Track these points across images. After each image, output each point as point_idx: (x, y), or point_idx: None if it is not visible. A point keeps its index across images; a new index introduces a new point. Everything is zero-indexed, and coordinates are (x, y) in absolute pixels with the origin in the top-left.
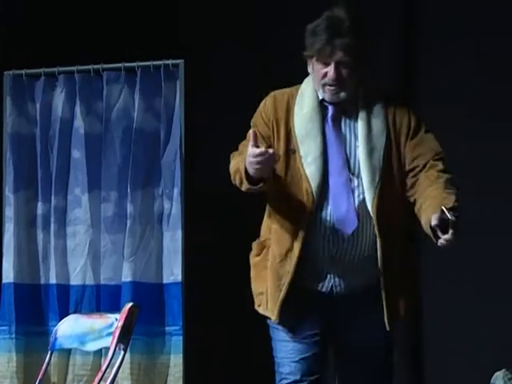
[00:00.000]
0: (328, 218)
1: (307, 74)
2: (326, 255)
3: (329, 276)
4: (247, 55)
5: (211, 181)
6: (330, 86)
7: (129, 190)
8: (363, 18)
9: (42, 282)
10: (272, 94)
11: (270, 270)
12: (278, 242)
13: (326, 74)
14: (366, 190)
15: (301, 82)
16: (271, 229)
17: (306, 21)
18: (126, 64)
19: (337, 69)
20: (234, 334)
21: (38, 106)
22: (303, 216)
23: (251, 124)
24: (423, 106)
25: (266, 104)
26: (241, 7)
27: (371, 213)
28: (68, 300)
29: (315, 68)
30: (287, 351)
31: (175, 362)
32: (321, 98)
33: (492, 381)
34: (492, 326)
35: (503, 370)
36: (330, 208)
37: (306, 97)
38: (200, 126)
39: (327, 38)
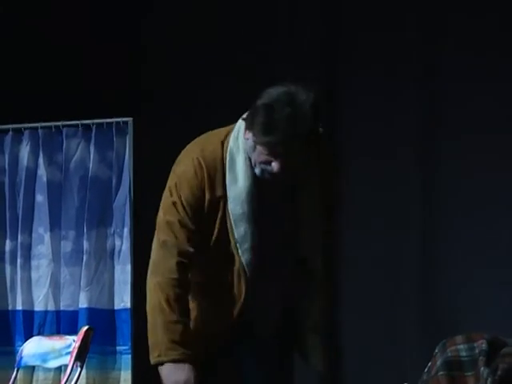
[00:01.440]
0: (253, 305)
1: None
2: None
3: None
4: (188, 114)
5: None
6: (270, 174)
7: (85, 230)
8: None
9: (10, 308)
10: (199, 160)
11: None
12: (205, 321)
13: (269, 163)
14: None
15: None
16: (195, 303)
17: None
18: (83, 121)
19: (283, 165)
20: None
21: (6, 157)
22: (235, 298)
23: (183, 203)
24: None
25: (198, 176)
26: (183, 71)
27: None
28: (32, 324)
29: (258, 149)
30: None
31: (125, 377)
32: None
33: None
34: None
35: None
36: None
37: (240, 167)
38: (146, 175)
39: (283, 139)
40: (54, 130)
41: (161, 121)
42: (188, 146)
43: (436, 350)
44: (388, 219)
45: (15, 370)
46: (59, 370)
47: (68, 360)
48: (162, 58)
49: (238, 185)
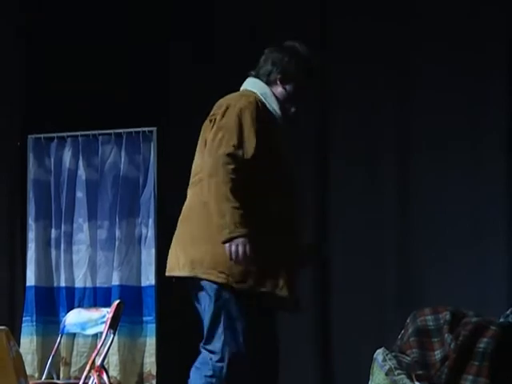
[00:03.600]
0: None
1: None
2: None
3: None
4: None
5: (176, 213)
6: (293, 112)
7: (117, 220)
8: None
9: (55, 285)
10: (256, 100)
11: None
12: None
13: (294, 103)
14: None
15: None
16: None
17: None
18: (115, 130)
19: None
20: (195, 322)
21: (52, 160)
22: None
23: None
24: None
25: (259, 109)
26: (199, 90)
27: None
28: (73, 298)
29: (295, 91)
30: None
31: (150, 343)
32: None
33: (375, 355)
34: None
35: (383, 348)
36: None
37: (275, 113)
38: (168, 175)
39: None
40: (91, 137)
41: (180, 130)
42: (234, 95)
43: (408, 321)
44: (369, 212)
45: (59, 336)
46: (96, 336)
47: (103, 328)
48: (183, 78)
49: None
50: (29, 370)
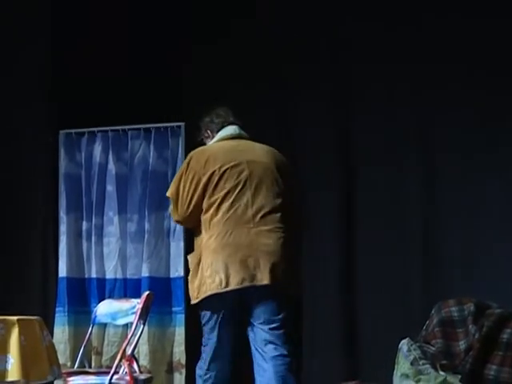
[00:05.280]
0: None
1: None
2: None
3: None
4: None
5: None
6: None
7: (146, 213)
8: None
9: (86, 276)
10: None
11: None
12: None
13: None
14: None
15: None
16: None
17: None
18: (144, 126)
19: None
20: None
21: (82, 154)
22: None
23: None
24: None
25: None
26: (224, 86)
27: None
28: (104, 289)
29: None
30: None
31: (179, 332)
32: None
33: (400, 346)
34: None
35: (407, 338)
36: None
37: None
38: None
39: None
40: (121, 132)
41: None
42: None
43: (432, 311)
44: (394, 203)
45: (91, 326)
46: (126, 326)
47: (133, 318)
48: (209, 74)
49: None
50: (61, 359)
